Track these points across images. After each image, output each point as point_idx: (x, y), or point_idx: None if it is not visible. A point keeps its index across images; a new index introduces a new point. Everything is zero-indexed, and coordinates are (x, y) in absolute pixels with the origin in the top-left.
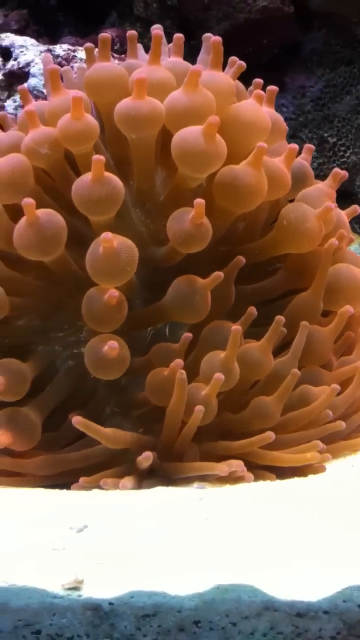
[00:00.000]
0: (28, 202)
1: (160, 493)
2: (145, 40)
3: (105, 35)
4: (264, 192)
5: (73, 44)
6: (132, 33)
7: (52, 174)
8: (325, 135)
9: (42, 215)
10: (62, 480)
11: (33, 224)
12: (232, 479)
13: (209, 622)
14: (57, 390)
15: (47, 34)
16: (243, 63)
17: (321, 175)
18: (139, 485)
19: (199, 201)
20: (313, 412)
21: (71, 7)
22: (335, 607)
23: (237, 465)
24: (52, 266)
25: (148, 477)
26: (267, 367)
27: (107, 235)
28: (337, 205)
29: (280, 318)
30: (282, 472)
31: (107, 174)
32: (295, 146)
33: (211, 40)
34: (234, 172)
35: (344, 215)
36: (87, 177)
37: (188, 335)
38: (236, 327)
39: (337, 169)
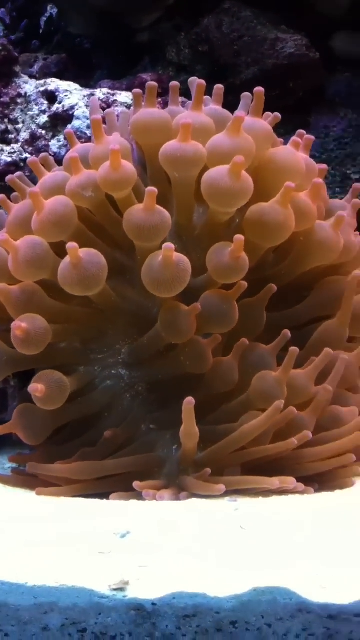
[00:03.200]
0: (72, 246)
1: (197, 504)
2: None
3: (152, 84)
4: (290, 228)
5: (111, 88)
6: (174, 84)
7: (95, 212)
8: (348, 172)
9: (85, 256)
10: (98, 490)
11: (76, 265)
12: (262, 492)
13: (245, 623)
14: (90, 402)
15: (83, 77)
16: (278, 115)
17: None
18: (176, 497)
19: (239, 237)
20: (345, 433)
21: (105, 50)
22: None
23: (289, 481)
24: (93, 298)
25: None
26: (310, 393)
27: (169, 244)
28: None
29: (328, 350)
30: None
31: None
32: (320, 180)
33: (255, 90)
34: (262, 209)
35: None
36: (139, 207)
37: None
38: (294, 348)
39: (356, 200)
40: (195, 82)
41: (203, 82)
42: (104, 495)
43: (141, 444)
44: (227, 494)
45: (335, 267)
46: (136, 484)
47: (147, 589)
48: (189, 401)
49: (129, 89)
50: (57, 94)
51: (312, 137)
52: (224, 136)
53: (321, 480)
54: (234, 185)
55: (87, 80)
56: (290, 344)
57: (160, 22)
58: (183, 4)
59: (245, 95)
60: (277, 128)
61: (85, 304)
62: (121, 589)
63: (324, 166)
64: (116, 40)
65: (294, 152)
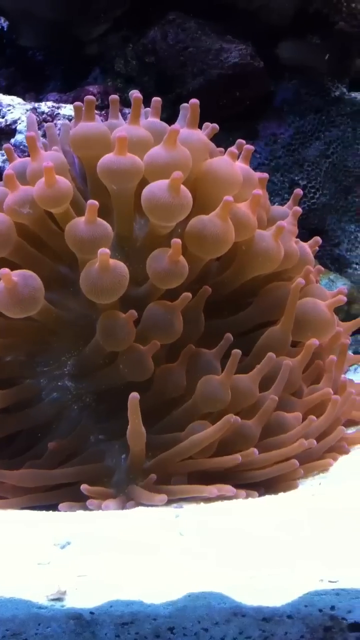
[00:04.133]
0: (4, 272)
1: (142, 512)
2: (125, 94)
3: (90, 98)
4: (230, 241)
5: (57, 101)
6: (114, 97)
7: (34, 228)
8: (296, 178)
9: (19, 280)
10: (46, 501)
11: (11, 289)
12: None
13: (182, 629)
14: (35, 415)
15: (34, 89)
16: (216, 125)
17: None
18: (123, 506)
19: (176, 241)
20: (289, 440)
21: (56, 62)
22: (298, 611)
23: (227, 489)
24: (34, 316)
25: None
26: (254, 397)
27: (104, 250)
28: (300, 240)
29: (271, 355)
30: (257, 490)
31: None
32: (259, 192)
33: (190, 101)
34: (201, 223)
35: (308, 249)
36: (80, 220)
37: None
38: (236, 351)
39: (296, 207)
40: (132, 96)
41: (139, 95)
42: (53, 507)
43: (90, 454)
44: (173, 500)
45: (279, 274)
46: (84, 487)
47: (85, 598)
48: (134, 395)
49: (75, 101)
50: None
51: (252, 147)
52: (160, 149)
53: (266, 484)
54: (174, 201)
55: (38, 93)
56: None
57: (108, 33)
58: (130, 16)
59: (184, 106)
60: (225, 136)
61: (28, 317)
62: (59, 599)
63: (265, 175)
64: (66, 52)
65: (231, 163)
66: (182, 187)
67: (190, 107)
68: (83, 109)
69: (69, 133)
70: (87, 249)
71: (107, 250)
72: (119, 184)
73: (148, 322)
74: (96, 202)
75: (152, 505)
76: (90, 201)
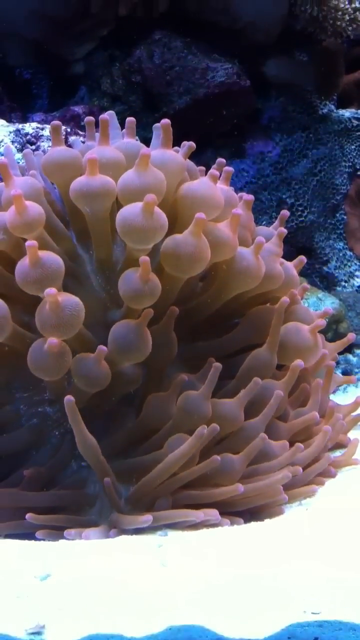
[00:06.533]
0: None
1: (125, 541)
2: None
3: (56, 123)
4: (205, 258)
5: (41, 121)
6: (89, 119)
7: (10, 253)
8: (284, 197)
9: None
10: (26, 529)
11: None
12: (192, 526)
13: None
14: (13, 441)
15: (21, 108)
16: (193, 144)
17: None
18: (105, 535)
19: (145, 259)
20: (275, 468)
21: (44, 80)
22: None
23: (212, 513)
24: (5, 342)
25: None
26: (239, 422)
27: (50, 290)
28: (285, 260)
29: (257, 379)
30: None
31: (44, 254)
32: (239, 211)
33: (162, 121)
34: (174, 242)
35: (293, 269)
36: (25, 260)
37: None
38: (217, 364)
39: (281, 228)
40: (100, 118)
41: (106, 117)
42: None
43: (71, 481)
44: (158, 528)
45: (264, 294)
46: (29, 516)
47: (64, 631)
48: (69, 399)
49: (60, 122)
50: None
51: (231, 169)
52: (132, 174)
53: (251, 510)
54: (147, 224)
55: (25, 111)
56: (220, 373)
57: (95, 52)
58: (117, 35)
59: (156, 126)
60: (213, 155)
61: (4, 343)
62: (38, 633)
63: (250, 197)
64: (53, 70)
65: (212, 186)
66: (156, 209)
67: (162, 127)
68: (65, 130)
69: None
70: (34, 290)
71: (54, 290)
72: (92, 206)
73: (113, 343)
74: (35, 242)
75: (137, 533)
76: (29, 242)
